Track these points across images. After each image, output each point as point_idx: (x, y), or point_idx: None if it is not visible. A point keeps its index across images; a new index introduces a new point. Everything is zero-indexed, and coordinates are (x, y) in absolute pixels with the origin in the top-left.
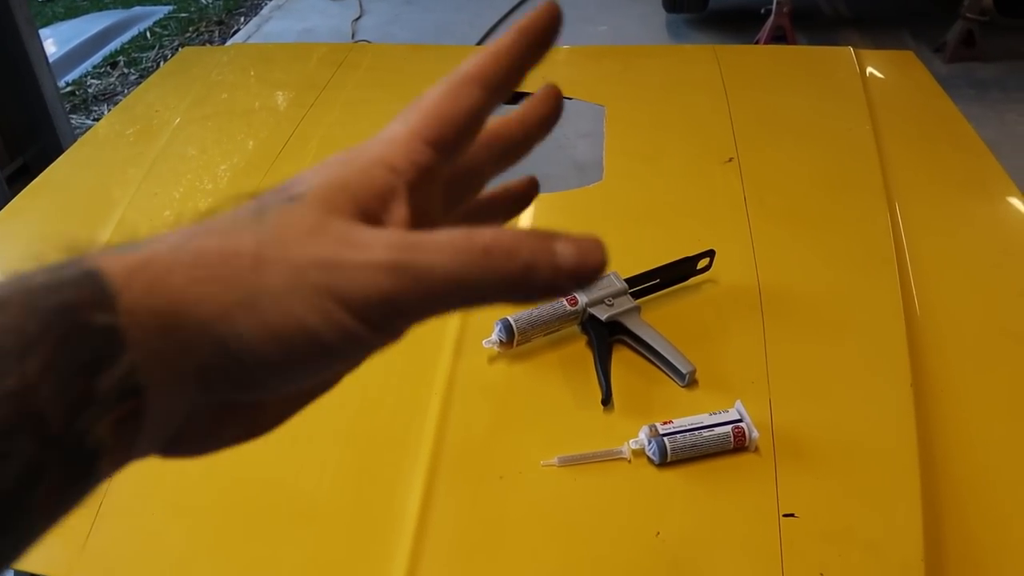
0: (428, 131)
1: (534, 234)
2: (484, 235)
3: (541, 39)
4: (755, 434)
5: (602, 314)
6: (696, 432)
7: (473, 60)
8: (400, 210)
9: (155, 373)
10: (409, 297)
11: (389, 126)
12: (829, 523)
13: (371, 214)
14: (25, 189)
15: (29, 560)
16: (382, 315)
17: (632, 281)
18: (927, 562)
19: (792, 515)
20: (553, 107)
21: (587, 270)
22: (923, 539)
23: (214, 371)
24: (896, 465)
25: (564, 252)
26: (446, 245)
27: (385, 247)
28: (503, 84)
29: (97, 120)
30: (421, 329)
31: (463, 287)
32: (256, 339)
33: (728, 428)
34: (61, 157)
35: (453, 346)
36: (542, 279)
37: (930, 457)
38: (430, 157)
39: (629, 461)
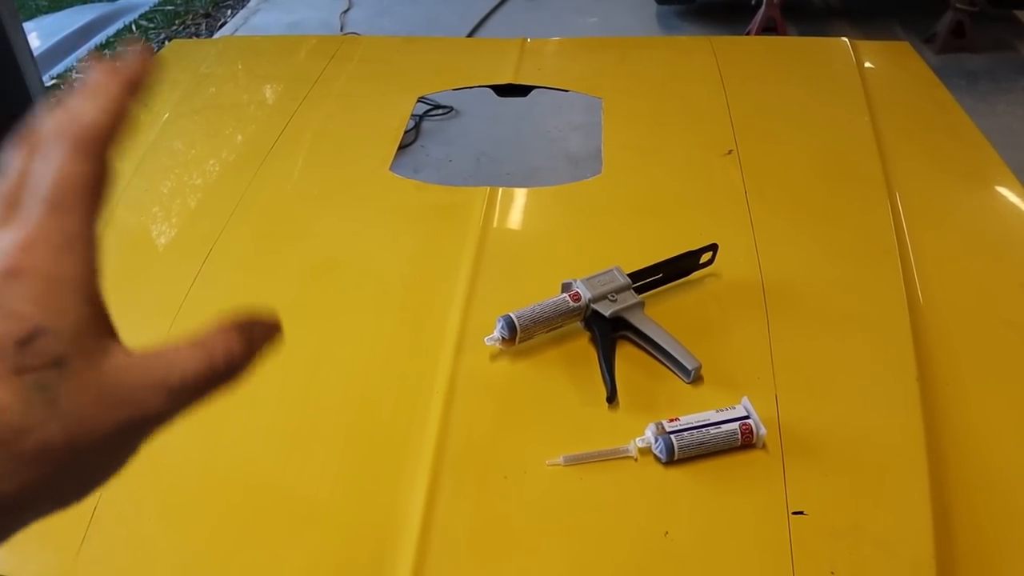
0: (96, 214)
1: (242, 333)
2: (217, 358)
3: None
4: (763, 431)
5: (605, 310)
6: (703, 430)
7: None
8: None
9: None
10: (172, 416)
11: (49, 225)
12: (838, 520)
13: (107, 324)
14: None
15: (23, 567)
16: (153, 433)
17: (635, 276)
18: (938, 558)
19: (801, 512)
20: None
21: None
22: (933, 535)
23: None
24: (904, 460)
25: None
26: (196, 373)
27: (158, 388)
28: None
29: None
30: (422, 326)
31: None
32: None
33: (735, 425)
34: None
35: (455, 344)
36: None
37: (938, 451)
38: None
39: (636, 459)
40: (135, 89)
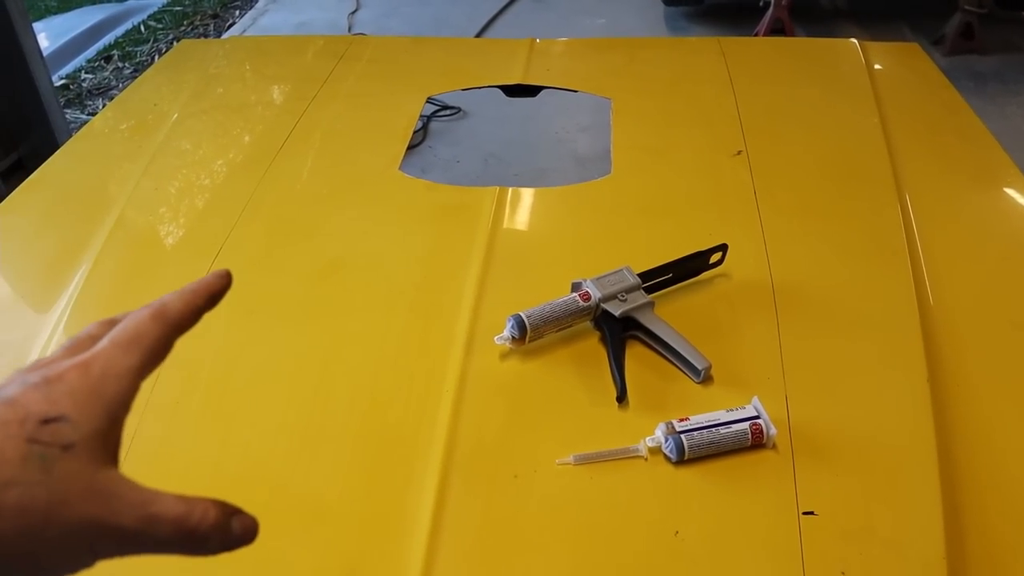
0: (145, 369)
1: (223, 510)
2: (193, 516)
3: (211, 299)
4: (773, 431)
5: (616, 310)
6: (714, 429)
7: (163, 303)
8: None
9: None
10: (136, 548)
11: (111, 355)
12: (849, 520)
13: (115, 448)
14: (21, 185)
15: None
16: (114, 555)
17: (645, 276)
18: (949, 559)
19: (811, 513)
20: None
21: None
22: (944, 535)
23: None
24: (914, 460)
25: (235, 525)
26: (171, 518)
27: (136, 507)
28: (184, 324)
29: (92, 115)
30: (432, 326)
31: (171, 547)
32: (22, 568)
33: (746, 425)
34: (57, 152)
35: (464, 343)
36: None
37: (948, 452)
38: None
39: (646, 459)
40: (213, 301)
